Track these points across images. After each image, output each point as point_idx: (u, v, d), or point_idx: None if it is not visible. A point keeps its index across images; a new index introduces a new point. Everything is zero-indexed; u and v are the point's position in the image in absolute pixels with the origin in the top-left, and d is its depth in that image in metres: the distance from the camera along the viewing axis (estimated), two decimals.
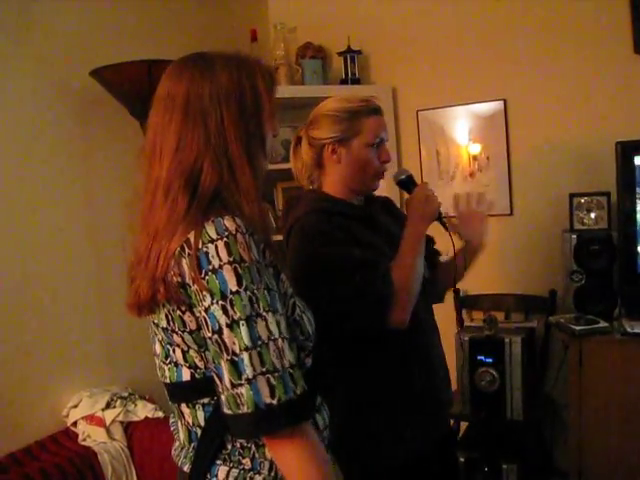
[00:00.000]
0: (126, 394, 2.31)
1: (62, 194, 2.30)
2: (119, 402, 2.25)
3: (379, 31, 3.07)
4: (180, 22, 2.77)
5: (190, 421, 1.04)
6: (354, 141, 1.55)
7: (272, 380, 0.89)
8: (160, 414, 2.27)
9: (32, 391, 2.17)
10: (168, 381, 1.05)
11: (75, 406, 2.25)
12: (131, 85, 2.15)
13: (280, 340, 0.91)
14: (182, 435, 1.08)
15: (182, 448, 1.09)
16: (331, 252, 1.45)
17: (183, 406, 1.05)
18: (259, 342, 0.89)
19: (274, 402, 0.89)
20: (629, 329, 2.20)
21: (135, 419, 2.26)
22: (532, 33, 2.73)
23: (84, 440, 2.18)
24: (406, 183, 1.65)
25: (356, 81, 3.05)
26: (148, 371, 2.46)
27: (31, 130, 2.21)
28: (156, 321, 1.01)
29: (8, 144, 2.13)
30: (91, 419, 2.20)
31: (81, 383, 2.31)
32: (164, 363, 1.04)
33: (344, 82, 3.05)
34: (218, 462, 1.02)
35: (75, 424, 2.22)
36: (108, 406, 2.23)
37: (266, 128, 1.05)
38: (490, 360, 2.48)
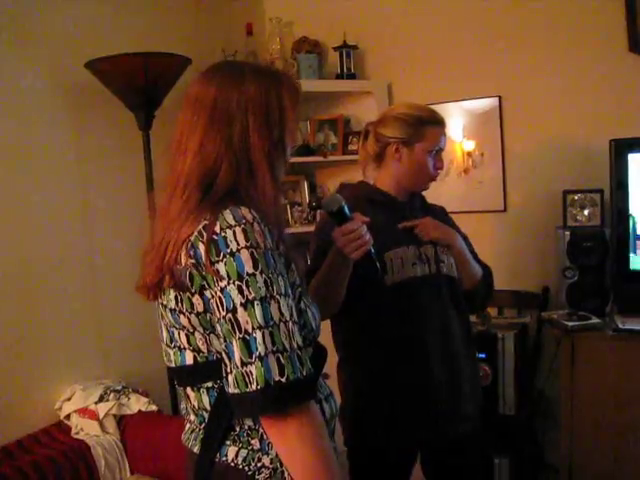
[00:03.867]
0: (119, 387, 2.31)
1: (56, 186, 2.30)
2: (112, 395, 2.25)
3: (375, 27, 3.07)
4: (176, 15, 2.76)
5: (196, 405, 1.08)
6: (417, 145, 1.69)
7: (282, 359, 0.93)
8: (153, 407, 2.27)
9: (25, 384, 2.16)
10: (173, 365, 1.09)
11: (68, 399, 2.24)
12: (126, 77, 2.14)
13: (290, 323, 0.96)
14: (192, 418, 1.12)
15: (192, 431, 1.13)
16: (315, 238, 1.70)
17: (188, 390, 1.09)
18: (271, 322, 0.94)
19: (283, 380, 0.92)
20: (621, 325, 2.22)
21: (128, 412, 2.26)
22: (527, 30, 2.73)
23: (77, 433, 2.18)
24: (336, 216, 1.43)
25: (352, 76, 3.04)
26: (142, 364, 2.48)
27: (26, 121, 2.19)
28: (164, 302, 1.05)
29: (2, 135, 2.12)
30: (84, 412, 2.20)
31: (74, 376, 2.30)
32: (169, 347, 1.09)
33: (339, 77, 3.05)
34: (228, 443, 1.06)
35: (68, 417, 2.22)
36: (101, 399, 2.23)
37: (287, 139, 1.11)
38: (483, 355, 2.49)
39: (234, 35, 2.96)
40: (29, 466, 1.90)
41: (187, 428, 1.15)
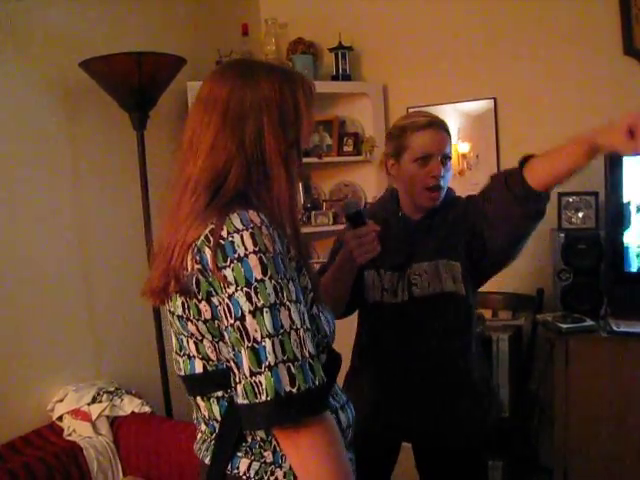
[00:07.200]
0: (112, 389, 2.29)
1: (50, 186, 2.28)
2: (105, 397, 2.24)
3: (370, 28, 3.07)
4: (171, 15, 2.75)
5: (207, 414, 1.05)
6: (404, 156, 1.63)
7: (292, 369, 0.90)
8: (147, 409, 2.26)
9: (17, 385, 2.15)
10: (183, 374, 1.06)
11: (61, 400, 2.23)
12: (120, 77, 2.13)
13: (302, 330, 0.93)
14: (203, 427, 1.09)
15: (203, 441, 1.10)
16: (335, 239, 1.77)
17: (199, 399, 1.06)
18: (281, 330, 0.90)
19: (294, 390, 0.89)
20: (615, 327, 2.22)
21: (121, 414, 2.24)
22: (523, 33, 2.74)
23: (69, 435, 2.16)
24: (352, 219, 1.50)
25: (347, 77, 3.04)
26: (135, 366, 2.46)
27: (20, 120, 2.18)
28: (172, 309, 1.02)
29: None
30: (77, 414, 2.18)
31: (67, 377, 2.29)
32: (178, 355, 1.06)
33: (335, 78, 3.05)
34: (239, 454, 1.02)
35: (60, 419, 2.21)
36: (94, 401, 2.21)
37: (303, 140, 1.08)
38: None
39: (229, 35, 2.95)
40: (20, 468, 1.88)
41: (199, 438, 1.12)
